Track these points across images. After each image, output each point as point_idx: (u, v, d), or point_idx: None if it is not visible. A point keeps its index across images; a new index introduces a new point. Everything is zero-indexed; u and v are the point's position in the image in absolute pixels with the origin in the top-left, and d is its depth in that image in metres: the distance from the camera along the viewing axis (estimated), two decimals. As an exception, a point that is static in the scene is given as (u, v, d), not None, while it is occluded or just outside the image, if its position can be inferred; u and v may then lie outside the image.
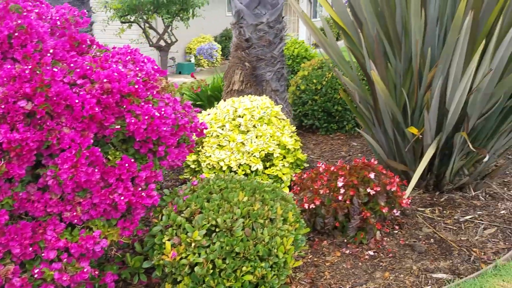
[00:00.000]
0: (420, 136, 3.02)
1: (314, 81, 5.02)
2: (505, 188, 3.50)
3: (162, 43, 6.74)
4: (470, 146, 2.78)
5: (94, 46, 2.44)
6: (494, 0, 2.70)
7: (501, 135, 3.22)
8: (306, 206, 2.69)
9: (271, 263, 2.05)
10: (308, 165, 3.92)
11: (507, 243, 2.72)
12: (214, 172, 3.45)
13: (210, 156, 3.45)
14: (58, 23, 2.31)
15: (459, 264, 2.53)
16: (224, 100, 4.30)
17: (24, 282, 1.79)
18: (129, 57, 2.40)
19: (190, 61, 11.92)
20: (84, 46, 2.37)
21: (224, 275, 1.96)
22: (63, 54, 2.18)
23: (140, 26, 6.61)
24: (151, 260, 2.16)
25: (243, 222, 2.06)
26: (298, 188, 2.91)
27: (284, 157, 3.50)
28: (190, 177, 3.63)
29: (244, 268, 1.97)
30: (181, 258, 2.03)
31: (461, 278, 2.40)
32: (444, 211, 3.15)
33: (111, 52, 2.40)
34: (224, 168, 3.40)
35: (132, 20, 6.48)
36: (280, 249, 2.07)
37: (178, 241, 2.09)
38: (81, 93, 2.00)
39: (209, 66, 12.13)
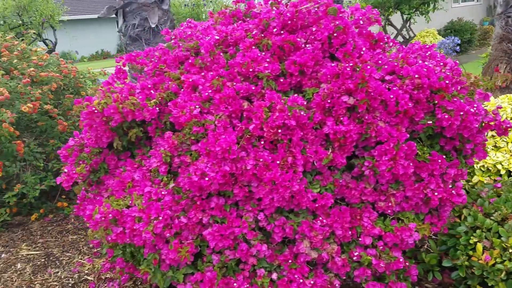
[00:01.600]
0: None
1: None
2: None
3: (400, 39, 6.60)
4: None
5: (391, 44, 2.50)
6: None
7: None
8: None
9: None
10: None
11: None
12: (489, 175, 3.16)
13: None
14: (361, 22, 2.44)
15: None
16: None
17: (344, 262, 1.95)
18: (429, 52, 2.37)
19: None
20: (381, 43, 2.46)
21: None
22: (368, 52, 2.30)
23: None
24: (451, 259, 2.08)
25: None
26: None
27: None
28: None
29: None
30: (495, 263, 1.90)
31: None
32: None
33: (410, 48, 2.41)
34: (502, 171, 3.07)
35: (373, 18, 6.54)
36: None
37: (489, 244, 1.95)
38: (393, 88, 2.06)
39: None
